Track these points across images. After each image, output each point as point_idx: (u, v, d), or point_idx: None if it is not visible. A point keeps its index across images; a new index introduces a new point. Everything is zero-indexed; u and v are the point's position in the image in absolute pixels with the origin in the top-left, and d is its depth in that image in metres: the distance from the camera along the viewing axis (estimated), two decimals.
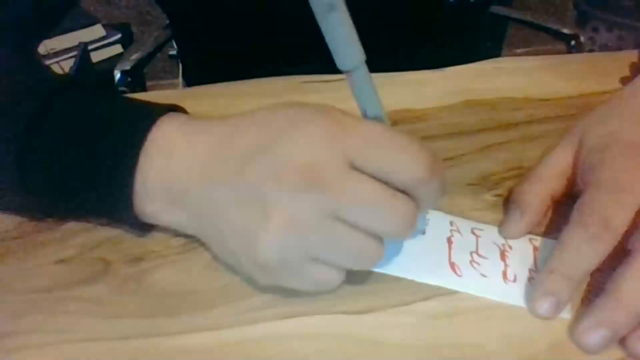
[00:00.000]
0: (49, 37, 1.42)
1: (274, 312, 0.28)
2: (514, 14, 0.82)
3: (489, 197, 0.35)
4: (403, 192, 0.26)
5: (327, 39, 0.24)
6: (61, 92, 0.31)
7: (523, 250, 0.32)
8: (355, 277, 0.30)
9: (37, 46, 0.48)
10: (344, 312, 0.28)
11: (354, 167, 0.25)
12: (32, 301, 0.29)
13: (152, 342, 0.27)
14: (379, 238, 0.26)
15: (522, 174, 0.37)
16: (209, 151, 0.28)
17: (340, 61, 0.25)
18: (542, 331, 0.28)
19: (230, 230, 0.27)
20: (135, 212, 0.30)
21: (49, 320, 0.28)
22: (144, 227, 0.32)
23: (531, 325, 0.28)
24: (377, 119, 0.27)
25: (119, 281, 0.30)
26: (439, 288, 0.30)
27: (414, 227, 0.26)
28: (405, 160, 0.26)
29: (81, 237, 0.33)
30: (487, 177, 0.37)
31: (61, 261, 0.31)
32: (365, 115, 0.27)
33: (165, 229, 0.32)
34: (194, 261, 0.31)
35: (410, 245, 0.32)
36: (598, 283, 0.28)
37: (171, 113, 0.31)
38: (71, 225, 0.33)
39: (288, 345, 0.27)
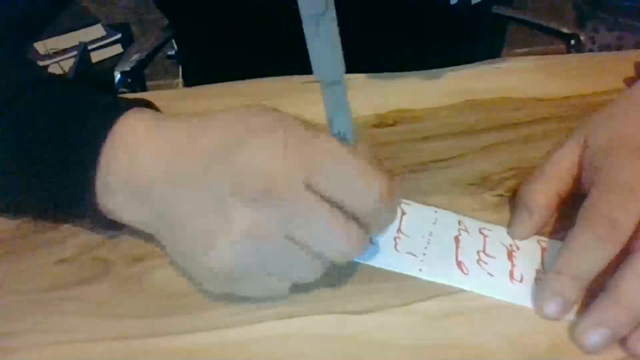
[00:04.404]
0: (48, 37, 1.42)
1: (273, 312, 0.28)
2: (514, 14, 0.81)
3: (489, 197, 0.35)
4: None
5: (310, 47, 0.23)
6: (33, 85, 0.31)
7: (531, 251, 0.32)
8: (355, 277, 0.30)
9: (27, 46, 0.48)
10: (344, 312, 0.28)
11: (309, 186, 0.25)
12: (32, 301, 0.29)
13: (152, 342, 0.27)
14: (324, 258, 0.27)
15: (522, 174, 0.37)
16: (172, 150, 0.28)
17: (320, 72, 0.24)
18: (543, 331, 0.28)
19: (184, 231, 0.27)
20: (98, 207, 0.29)
21: (49, 320, 0.28)
22: (110, 226, 0.31)
23: (531, 325, 0.28)
24: (342, 135, 0.27)
25: (119, 281, 0.30)
26: (439, 288, 0.30)
27: (360, 253, 0.27)
28: (358, 187, 0.26)
29: (81, 237, 0.33)
30: (487, 177, 0.37)
31: (61, 261, 0.31)
32: (331, 129, 0.27)
33: None
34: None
35: (418, 244, 0.32)
36: (599, 283, 0.28)
37: (137, 108, 0.30)
38: (71, 225, 0.33)
39: (288, 346, 0.27)
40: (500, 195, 0.35)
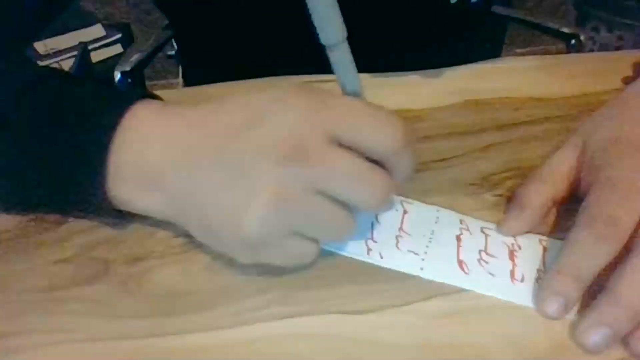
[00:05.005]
0: (48, 37, 1.42)
1: (273, 312, 0.28)
2: (514, 14, 0.81)
3: (489, 197, 0.35)
4: (379, 164, 0.27)
5: (313, 16, 0.25)
6: (39, 79, 0.31)
7: (532, 251, 0.32)
8: (355, 277, 0.30)
9: (26, 46, 0.48)
10: (343, 312, 0.28)
11: (333, 141, 0.26)
12: (32, 301, 0.29)
13: (152, 342, 0.27)
14: (352, 211, 0.28)
15: (522, 174, 0.37)
16: (189, 130, 0.28)
17: (324, 37, 0.26)
18: (542, 331, 0.28)
19: (212, 207, 0.27)
20: (109, 197, 0.29)
21: (49, 320, 0.28)
22: (120, 216, 0.31)
23: (531, 325, 0.28)
24: (354, 94, 0.29)
25: (119, 281, 0.30)
26: (439, 288, 0.30)
27: (390, 200, 0.28)
28: (380, 133, 0.27)
29: (81, 237, 0.33)
30: (487, 177, 0.37)
31: (61, 261, 0.31)
32: (343, 90, 0.29)
33: (165, 229, 0.32)
34: (194, 261, 0.31)
35: (419, 242, 0.32)
36: (599, 282, 0.28)
37: (147, 99, 0.31)
38: (71, 225, 0.33)
39: (288, 346, 0.27)
40: (500, 195, 0.35)
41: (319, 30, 0.26)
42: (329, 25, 0.26)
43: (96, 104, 0.30)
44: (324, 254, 0.31)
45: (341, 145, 0.26)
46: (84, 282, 0.30)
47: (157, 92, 0.44)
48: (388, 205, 0.28)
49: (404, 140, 0.27)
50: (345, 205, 0.27)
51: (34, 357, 0.27)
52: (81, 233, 0.33)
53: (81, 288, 0.30)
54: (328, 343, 0.27)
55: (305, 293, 0.29)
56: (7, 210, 0.34)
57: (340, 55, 0.27)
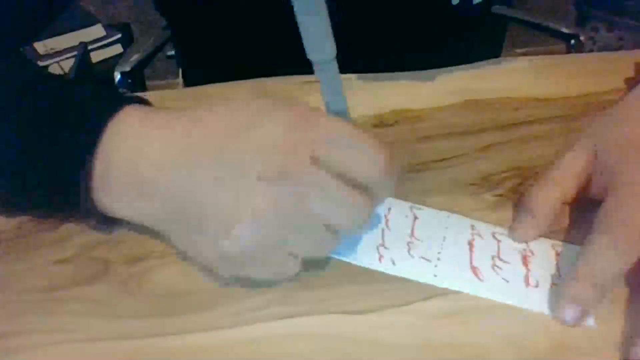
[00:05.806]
0: (48, 37, 1.42)
1: (273, 312, 0.28)
2: (514, 14, 0.81)
3: (489, 197, 0.35)
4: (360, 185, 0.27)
5: (303, 32, 0.25)
6: (38, 79, 0.31)
7: (545, 256, 0.31)
8: (355, 277, 0.30)
9: (26, 46, 0.48)
10: (343, 312, 0.28)
11: (316, 162, 0.26)
12: (32, 301, 0.29)
13: (152, 342, 0.27)
14: (335, 230, 0.28)
15: (522, 174, 0.37)
16: (189, 129, 0.28)
17: (313, 54, 0.26)
18: (542, 331, 0.28)
19: (212, 207, 0.27)
20: (96, 204, 0.29)
21: (49, 320, 0.28)
22: (109, 222, 0.31)
23: (531, 325, 0.28)
24: (339, 114, 0.29)
25: (119, 281, 0.30)
26: (439, 288, 0.30)
27: (367, 219, 0.28)
28: (363, 160, 0.27)
29: (81, 237, 0.33)
30: (487, 177, 0.37)
31: (61, 261, 0.31)
32: (328, 109, 0.29)
33: None
34: (194, 261, 0.31)
35: (431, 249, 0.32)
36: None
37: (137, 104, 0.31)
38: (71, 225, 0.33)
39: (288, 346, 0.27)
40: (500, 195, 0.35)
41: (308, 47, 0.26)
42: (322, 42, 0.25)
43: (95, 103, 0.30)
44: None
45: (323, 167, 0.27)
46: (84, 282, 0.30)
47: (157, 92, 0.44)
48: (365, 223, 0.29)
49: (387, 168, 0.27)
50: (328, 225, 0.27)
51: (34, 357, 0.27)
52: (81, 233, 0.33)
53: (81, 288, 0.30)
54: (328, 343, 0.27)
55: (305, 293, 0.29)
56: (8, 212, 0.34)
57: (328, 73, 0.27)
